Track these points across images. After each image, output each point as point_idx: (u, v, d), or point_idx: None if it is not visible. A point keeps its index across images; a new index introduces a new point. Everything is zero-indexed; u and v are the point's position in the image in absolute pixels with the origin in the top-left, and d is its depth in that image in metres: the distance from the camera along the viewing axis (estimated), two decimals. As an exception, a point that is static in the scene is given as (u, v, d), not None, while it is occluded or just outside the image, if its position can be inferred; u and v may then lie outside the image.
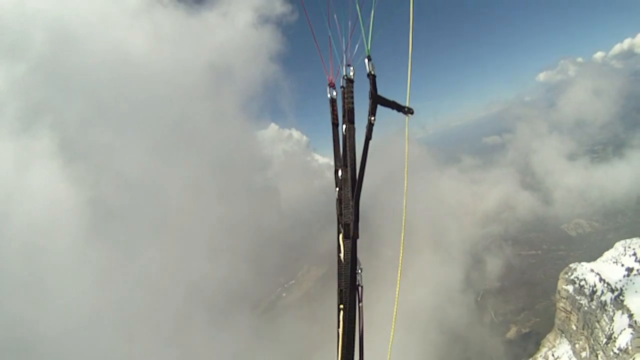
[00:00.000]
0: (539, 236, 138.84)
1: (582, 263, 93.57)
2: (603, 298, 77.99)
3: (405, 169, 3.22)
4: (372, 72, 2.51)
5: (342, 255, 2.40)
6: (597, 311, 77.78)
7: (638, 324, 62.93)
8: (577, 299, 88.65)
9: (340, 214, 2.53)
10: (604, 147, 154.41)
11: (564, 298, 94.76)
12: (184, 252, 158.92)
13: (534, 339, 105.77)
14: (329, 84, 2.86)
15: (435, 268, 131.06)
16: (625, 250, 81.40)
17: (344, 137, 2.50)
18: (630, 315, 65.18)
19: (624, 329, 65.23)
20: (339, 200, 2.55)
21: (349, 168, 2.43)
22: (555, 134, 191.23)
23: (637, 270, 74.46)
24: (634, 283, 71.61)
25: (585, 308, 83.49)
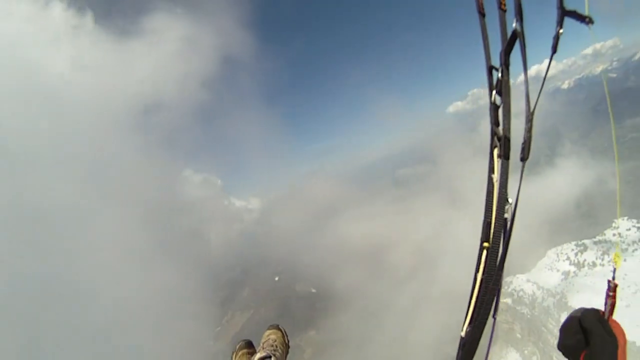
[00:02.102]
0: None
1: (517, 275, 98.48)
2: (545, 304, 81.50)
3: (610, 111, 3.05)
4: None
5: (495, 176, 1.84)
6: (541, 316, 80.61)
7: (589, 321, 65.28)
8: (517, 310, 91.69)
9: (495, 123, 1.88)
10: (533, 160, 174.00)
11: (504, 311, 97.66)
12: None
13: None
14: None
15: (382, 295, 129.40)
16: (557, 256, 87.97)
17: (515, 35, 1.76)
18: (579, 314, 67.65)
19: (575, 328, 67.19)
20: (494, 107, 1.89)
21: (525, 68, 1.80)
22: (480, 156, 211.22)
23: (574, 272, 79.99)
24: (573, 285, 76.23)
25: (528, 316, 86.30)
